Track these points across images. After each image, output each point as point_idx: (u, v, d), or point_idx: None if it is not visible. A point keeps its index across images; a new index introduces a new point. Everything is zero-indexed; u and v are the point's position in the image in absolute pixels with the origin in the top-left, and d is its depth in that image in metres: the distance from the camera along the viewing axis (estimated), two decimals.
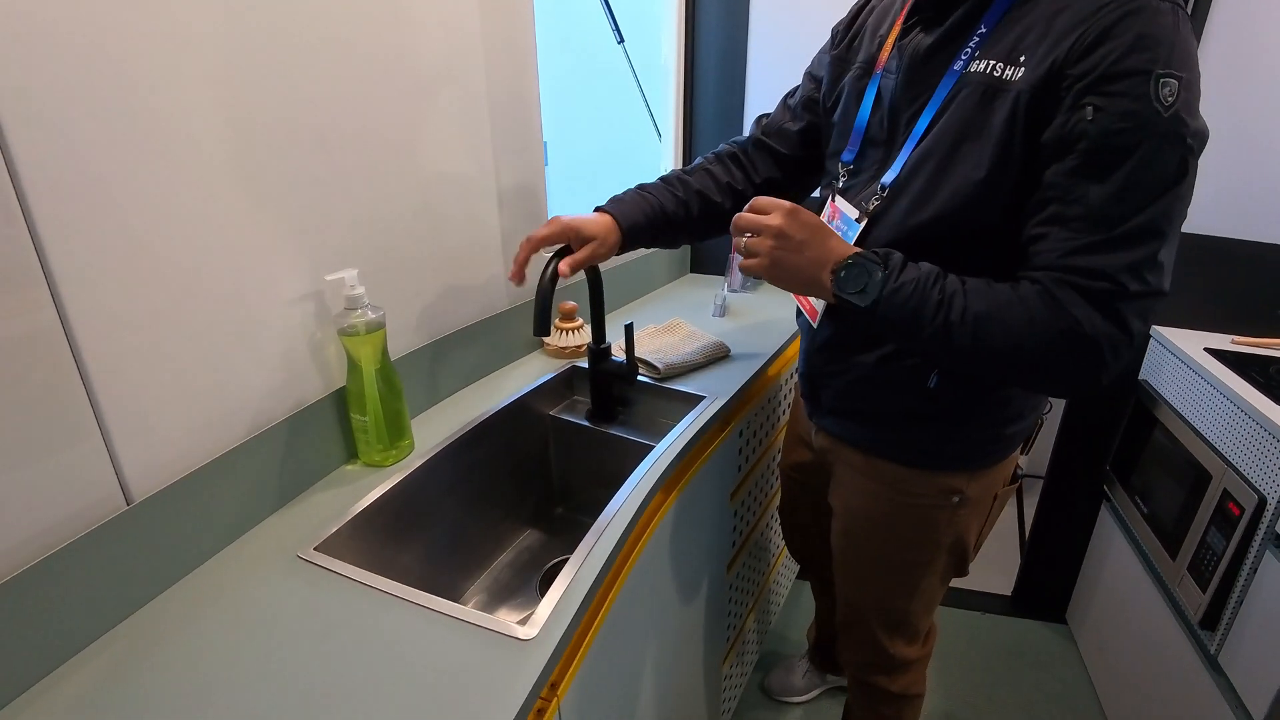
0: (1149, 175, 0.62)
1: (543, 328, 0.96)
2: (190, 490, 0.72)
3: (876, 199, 0.80)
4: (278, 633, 0.66)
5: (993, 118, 0.68)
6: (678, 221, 1.05)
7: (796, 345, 1.27)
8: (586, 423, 1.19)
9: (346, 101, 0.85)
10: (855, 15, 0.95)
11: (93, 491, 0.64)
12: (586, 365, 1.18)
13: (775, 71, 1.69)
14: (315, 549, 0.78)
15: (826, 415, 0.98)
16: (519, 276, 0.96)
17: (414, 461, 0.95)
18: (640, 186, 1.06)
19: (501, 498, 1.13)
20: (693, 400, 1.13)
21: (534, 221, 1.25)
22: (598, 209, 1.02)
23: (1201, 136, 0.64)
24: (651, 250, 1.69)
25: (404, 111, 0.94)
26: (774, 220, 0.73)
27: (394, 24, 0.90)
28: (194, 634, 0.66)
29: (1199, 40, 1.39)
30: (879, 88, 0.83)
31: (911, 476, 0.91)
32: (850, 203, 0.84)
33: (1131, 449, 1.60)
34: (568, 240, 0.97)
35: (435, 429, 1.03)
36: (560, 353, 1.28)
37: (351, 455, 0.95)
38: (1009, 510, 2.33)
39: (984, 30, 0.71)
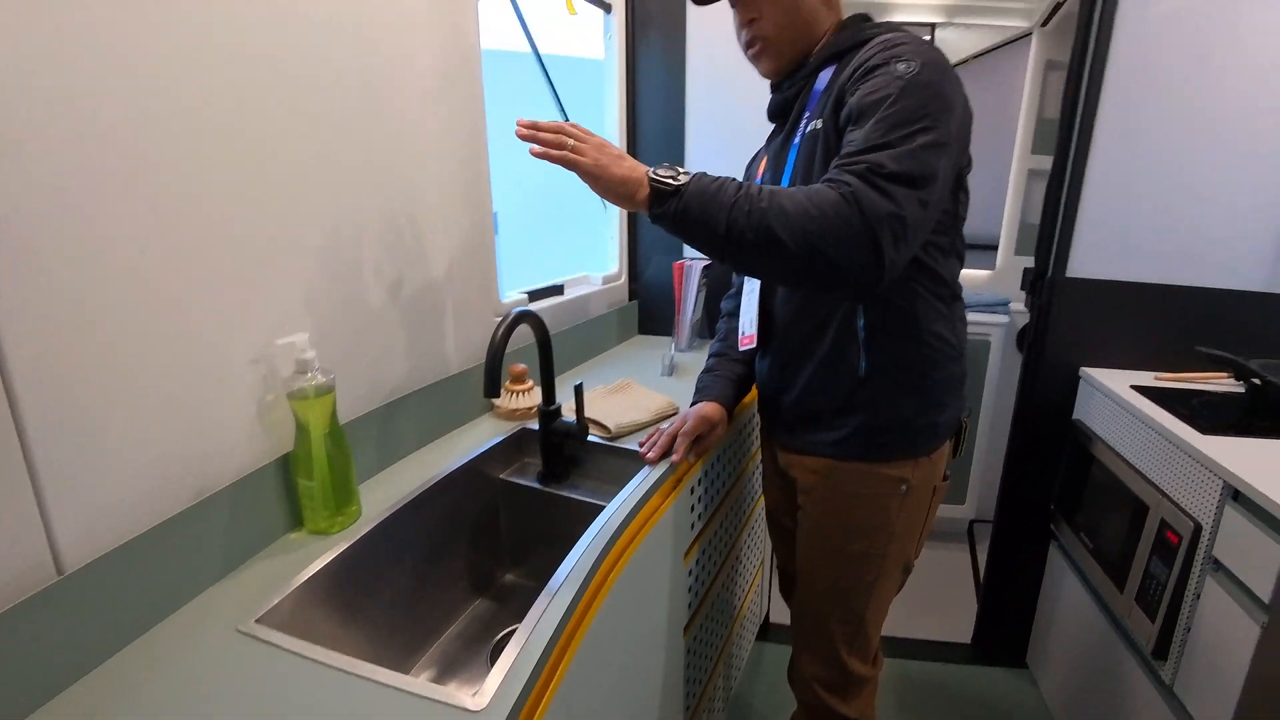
0: (897, 113, 0.80)
1: (493, 389, 0.98)
2: (127, 559, 0.68)
3: None
4: (217, 712, 0.62)
5: (817, 143, 0.94)
6: (743, 375, 1.26)
7: (744, 402, 1.32)
8: (537, 484, 1.19)
9: (302, 165, 0.87)
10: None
11: (21, 560, 0.60)
12: (537, 427, 1.19)
13: (712, 144, 1.82)
14: (257, 621, 0.74)
15: (786, 432, 1.12)
16: (659, 458, 1.10)
17: (361, 528, 0.92)
18: (707, 370, 1.28)
19: (451, 565, 1.10)
20: (643, 461, 1.15)
21: (485, 288, 1.28)
22: (702, 400, 1.21)
23: (950, 107, 0.83)
24: (600, 312, 1.74)
25: (359, 177, 0.97)
26: (597, 138, 0.87)
27: (354, 92, 0.93)
28: (127, 714, 0.61)
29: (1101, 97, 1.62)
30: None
31: (866, 471, 1.03)
32: None
33: (1074, 487, 1.70)
34: (703, 430, 1.15)
35: (384, 494, 1.01)
36: (511, 415, 1.29)
37: (296, 523, 0.92)
38: (963, 557, 2.43)
39: (808, 115, 0.98)
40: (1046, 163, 2.09)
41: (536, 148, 0.83)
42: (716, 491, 1.40)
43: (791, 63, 1.03)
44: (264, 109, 0.81)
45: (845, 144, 0.83)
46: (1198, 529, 1.21)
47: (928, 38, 3.02)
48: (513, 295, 1.46)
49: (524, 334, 1.25)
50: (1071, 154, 1.69)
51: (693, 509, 1.25)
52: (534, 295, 1.54)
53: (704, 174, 0.84)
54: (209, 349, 0.77)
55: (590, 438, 1.21)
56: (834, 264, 0.78)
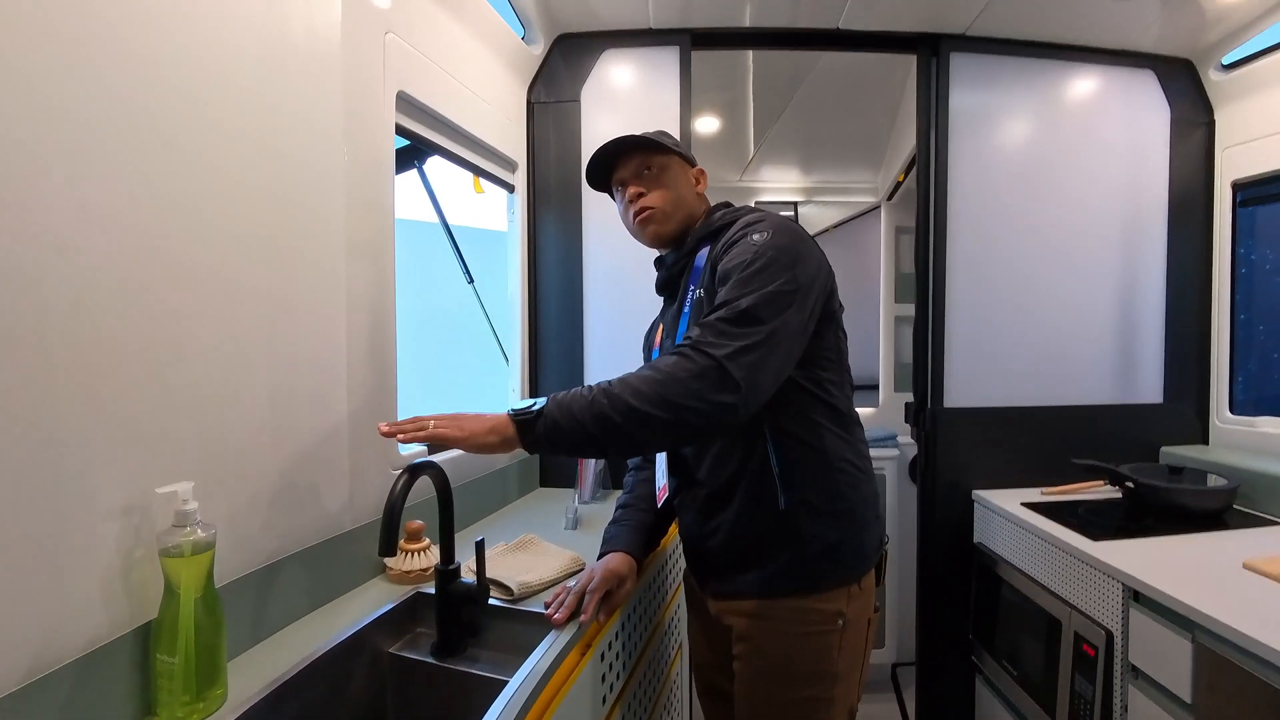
0: (752, 271, 0.93)
1: (389, 548, 0.91)
2: None
3: None
4: None
5: (702, 309, 1.04)
6: (651, 524, 1.25)
7: (655, 552, 1.29)
8: (431, 659, 1.08)
9: (205, 313, 0.85)
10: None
11: None
12: (433, 590, 1.09)
13: (608, 312, 1.93)
14: None
15: (717, 579, 1.11)
16: (567, 619, 1.04)
17: (224, 717, 0.79)
18: (614, 520, 1.25)
19: None
20: (549, 623, 1.07)
21: (382, 443, 1.24)
22: (609, 552, 1.17)
23: (800, 261, 0.95)
24: (502, 465, 1.70)
25: (264, 326, 0.95)
26: (454, 414, 0.94)
27: (257, 243, 0.94)
28: None
29: (948, 243, 1.85)
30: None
31: (802, 609, 1.02)
32: None
33: (988, 613, 1.72)
34: (612, 585, 1.10)
35: (256, 673, 0.88)
36: (404, 577, 1.19)
37: (148, 710, 0.77)
38: (890, 707, 2.32)
39: (693, 287, 1.10)
40: (909, 309, 2.36)
41: (403, 435, 0.90)
42: (632, 650, 1.31)
43: (673, 233, 1.15)
44: (175, 250, 0.79)
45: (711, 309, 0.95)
46: (1110, 637, 1.25)
47: (790, 214, 3.48)
48: (412, 447, 1.42)
49: (423, 487, 1.19)
50: (930, 302, 1.92)
51: (604, 678, 1.15)
52: (434, 447, 1.49)
53: (555, 393, 0.92)
54: (74, 491, 0.69)
55: (491, 600, 1.12)
56: (696, 409, 0.86)
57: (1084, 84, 1.96)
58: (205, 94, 0.86)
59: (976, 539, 1.83)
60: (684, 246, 1.15)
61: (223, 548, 0.84)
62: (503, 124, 1.78)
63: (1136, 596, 1.23)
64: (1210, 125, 1.98)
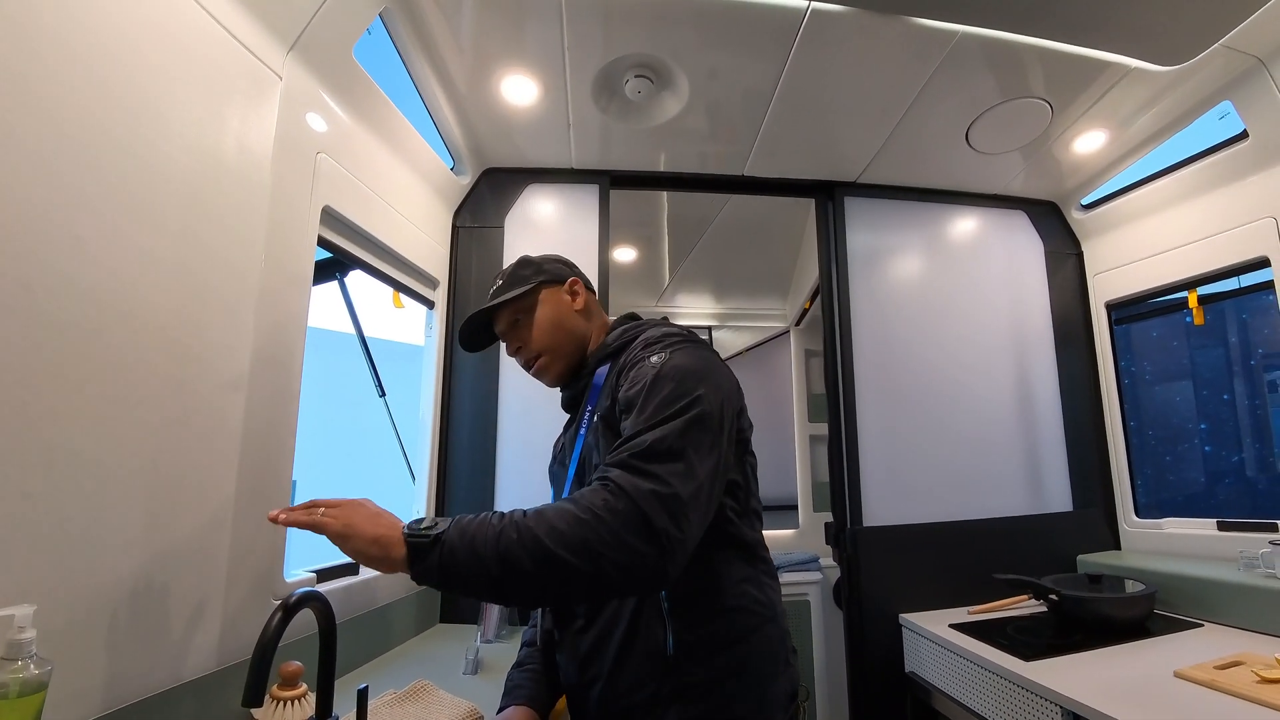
0: (654, 400, 0.86)
1: (255, 697, 0.79)
2: None
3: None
4: None
5: (599, 433, 0.98)
6: (553, 679, 1.09)
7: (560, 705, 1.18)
8: None
9: (81, 414, 0.77)
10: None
11: None
12: None
13: (521, 428, 1.90)
14: None
15: None
16: None
17: None
18: (517, 664, 1.12)
19: None
20: None
21: (269, 565, 1.12)
22: (510, 704, 1.03)
23: (703, 381, 0.89)
24: (396, 597, 1.56)
25: (146, 438, 0.88)
26: (355, 501, 0.82)
27: (156, 348, 0.89)
28: None
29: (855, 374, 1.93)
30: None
31: None
32: None
33: None
34: None
35: None
36: None
37: None
38: None
39: (590, 408, 1.04)
40: (822, 428, 2.45)
41: (284, 517, 0.80)
42: None
43: (569, 369, 1.11)
44: (65, 343, 0.73)
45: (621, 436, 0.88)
46: None
47: (705, 337, 3.65)
48: (299, 574, 1.28)
49: (305, 623, 1.07)
50: (843, 422, 2.01)
51: None
52: (323, 574, 1.36)
53: (461, 516, 0.80)
54: None
55: None
56: (618, 563, 0.75)
57: (965, 224, 2.22)
58: (131, 200, 0.85)
59: (908, 668, 1.79)
60: (584, 368, 1.10)
61: (57, 689, 0.72)
62: (426, 243, 1.82)
63: (1076, 719, 1.23)
64: (1079, 256, 2.27)
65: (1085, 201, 2.23)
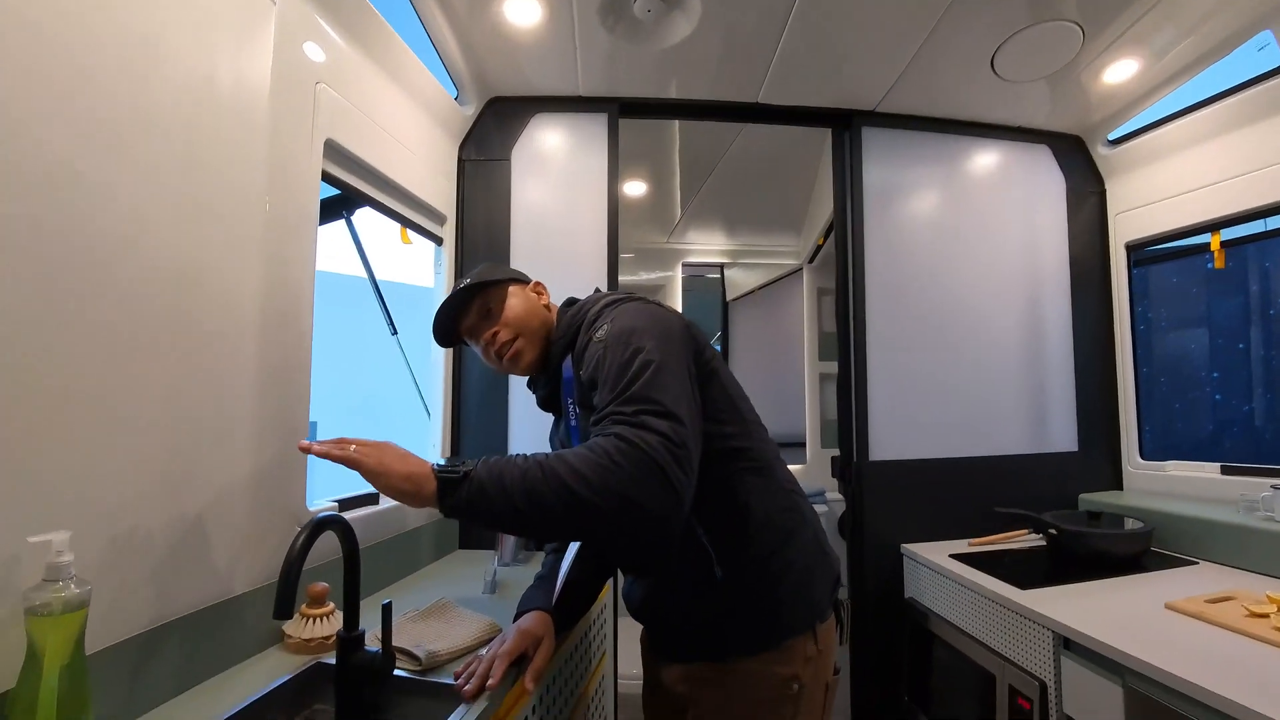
0: (613, 368, 0.91)
1: (285, 610, 0.83)
2: None
3: None
4: None
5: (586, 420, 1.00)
6: (576, 581, 1.19)
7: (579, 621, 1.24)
8: None
9: (98, 353, 0.79)
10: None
11: None
12: (334, 660, 1.01)
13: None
14: None
15: (673, 652, 1.09)
16: (477, 690, 0.95)
17: None
18: (532, 586, 1.18)
19: None
20: (459, 696, 0.97)
21: (291, 495, 1.17)
22: (524, 612, 1.11)
23: (650, 333, 0.94)
24: (416, 525, 1.63)
25: (164, 374, 0.90)
26: (381, 442, 0.88)
27: (168, 288, 0.90)
28: None
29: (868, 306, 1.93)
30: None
31: (753, 672, 0.99)
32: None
33: (922, 671, 1.70)
34: (527, 647, 1.04)
35: None
36: (304, 646, 1.10)
37: None
38: None
39: (570, 401, 1.09)
40: (832, 367, 2.45)
41: (318, 448, 0.85)
42: None
43: (540, 357, 1.15)
44: (75, 288, 0.74)
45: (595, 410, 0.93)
46: (1043, 688, 1.26)
47: (717, 276, 3.61)
48: (321, 503, 1.33)
49: (330, 549, 1.11)
50: (853, 359, 2.01)
51: None
52: (345, 504, 1.41)
53: (488, 456, 0.85)
54: None
55: (397, 671, 1.04)
56: (638, 503, 0.80)
57: (985, 158, 2.15)
58: (127, 136, 0.84)
59: (908, 594, 1.85)
60: (549, 366, 1.15)
61: (96, 610, 0.76)
62: (432, 178, 1.79)
63: (1067, 644, 1.26)
64: (1101, 194, 2.20)
65: (1112, 136, 2.14)
